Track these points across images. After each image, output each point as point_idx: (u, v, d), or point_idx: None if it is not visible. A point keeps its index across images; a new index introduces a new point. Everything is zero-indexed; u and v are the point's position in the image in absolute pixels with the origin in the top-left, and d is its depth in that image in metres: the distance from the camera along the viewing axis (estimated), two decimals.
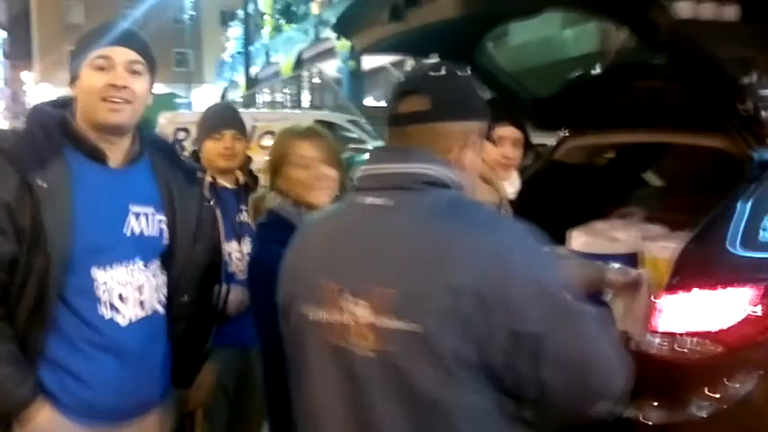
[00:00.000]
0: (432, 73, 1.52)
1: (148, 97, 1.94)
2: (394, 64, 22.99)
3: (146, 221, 1.94)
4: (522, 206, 2.70)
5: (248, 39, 22.76)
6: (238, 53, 36.87)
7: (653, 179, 4.11)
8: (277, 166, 2.20)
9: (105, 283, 1.85)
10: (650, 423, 2.16)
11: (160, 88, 43.44)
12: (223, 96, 40.97)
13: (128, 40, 1.90)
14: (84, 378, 1.84)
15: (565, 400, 1.41)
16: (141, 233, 1.93)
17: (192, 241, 2.07)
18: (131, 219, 1.91)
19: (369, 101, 23.96)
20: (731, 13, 2.54)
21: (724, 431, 2.17)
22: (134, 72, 1.88)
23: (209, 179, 2.81)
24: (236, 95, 36.89)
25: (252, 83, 25.93)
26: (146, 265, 1.94)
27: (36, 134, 1.82)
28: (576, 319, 1.41)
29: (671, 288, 2.25)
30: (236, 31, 40.37)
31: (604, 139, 3.66)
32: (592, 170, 3.79)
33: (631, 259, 2.96)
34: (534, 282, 1.37)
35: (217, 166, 2.86)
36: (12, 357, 1.76)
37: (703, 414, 2.15)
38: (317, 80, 22.50)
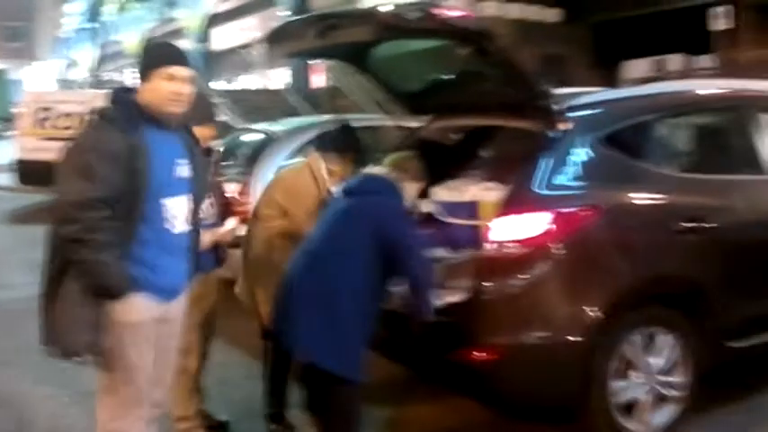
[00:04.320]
0: None
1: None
2: (242, 47, 23.36)
3: (185, 169, 2.99)
4: None
5: (95, 15, 22.46)
6: (81, 30, 35.32)
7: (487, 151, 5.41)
8: None
9: (168, 207, 2.89)
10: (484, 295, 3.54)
11: None
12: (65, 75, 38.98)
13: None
14: (157, 269, 2.86)
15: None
16: (183, 176, 2.97)
17: (205, 184, 3.21)
18: (177, 167, 2.95)
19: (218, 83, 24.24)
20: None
21: (529, 294, 3.56)
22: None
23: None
24: (78, 74, 35.46)
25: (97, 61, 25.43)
26: (186, 197, 3.00)
27: (123, 110, 2.82)
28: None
29: (500, 214, 3.60)
30: (76, 6, 38.55)
31: (455, 123, 4.84)
32: (446, 145, 4.96)
33: (473, 205, 4.27)
34: None
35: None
36: (119, 258, 2.74)
37: (515, 289, 3.54)
38: None
